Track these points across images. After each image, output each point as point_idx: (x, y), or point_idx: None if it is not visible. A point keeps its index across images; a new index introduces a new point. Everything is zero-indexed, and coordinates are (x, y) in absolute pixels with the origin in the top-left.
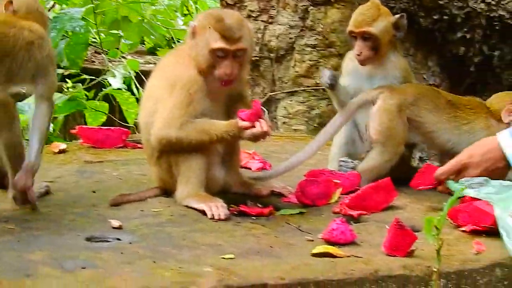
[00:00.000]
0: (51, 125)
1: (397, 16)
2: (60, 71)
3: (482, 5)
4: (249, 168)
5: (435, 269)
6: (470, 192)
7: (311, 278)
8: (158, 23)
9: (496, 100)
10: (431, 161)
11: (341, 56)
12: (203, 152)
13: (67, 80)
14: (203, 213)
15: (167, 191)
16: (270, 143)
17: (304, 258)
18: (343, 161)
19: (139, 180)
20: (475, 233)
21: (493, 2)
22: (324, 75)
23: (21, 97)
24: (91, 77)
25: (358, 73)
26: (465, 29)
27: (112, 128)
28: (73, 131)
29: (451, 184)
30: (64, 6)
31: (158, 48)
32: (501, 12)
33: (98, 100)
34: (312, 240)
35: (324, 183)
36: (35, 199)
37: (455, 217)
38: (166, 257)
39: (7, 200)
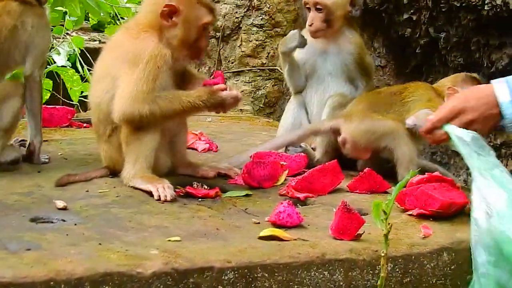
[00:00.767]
0: None
1: None
2: None
3: None
4: (196, 149)
5: (383, 254)
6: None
7: (258, 261)
8: (103, 0)
9: (444, 82)
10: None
11: None
12: (155, 132)
13: None
14: (150, 194)
15: (115, 171)
16: (216, 124)
17: (251, 241)
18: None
19: (85, 160)
20: (422, 217)
21: None
22: (293, 36)
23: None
24: None
25: (312, 48)
26: (412, 11)
27: (57, 107)
28: None
29: (449, 128)
30: None
31: (105, 26)
32: None
33: None
34: (259, 223)
35: (270, 165)
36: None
37: (402, 201)
38: (112, 239)
39: None
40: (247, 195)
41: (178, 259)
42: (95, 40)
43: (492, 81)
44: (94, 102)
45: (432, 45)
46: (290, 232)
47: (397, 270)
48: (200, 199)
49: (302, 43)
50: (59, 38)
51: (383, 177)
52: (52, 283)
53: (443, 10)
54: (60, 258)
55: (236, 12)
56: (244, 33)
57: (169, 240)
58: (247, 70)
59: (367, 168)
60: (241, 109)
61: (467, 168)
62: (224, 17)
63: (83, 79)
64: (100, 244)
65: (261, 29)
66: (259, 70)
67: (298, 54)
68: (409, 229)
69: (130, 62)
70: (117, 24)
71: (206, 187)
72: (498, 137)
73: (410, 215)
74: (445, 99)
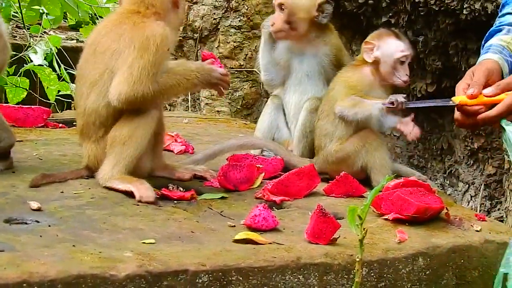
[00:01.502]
0: None
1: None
2: None
3: None
4: (172, 151)
5: (358, 259)
6: None
7: (233, 265)
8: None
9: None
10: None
11: None
12: (143, 140)
13: None
14: (128, 194)
15: (93, 172)
16: (192, 125)
17: (226, 244)
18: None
19: (60, 161)
20: (398, 221)
21: None
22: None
23: None
24: (12, 52)
25: (289, 49)
26: (390, 14)
27: (33, 107)
28: None
29: (505, 123)
30: None
31: (82, 25)
32: None
33: (19, 76)
34: (234, 226)
35: (247, 168)
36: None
37: (378, 205)
38: (86, 241)
39: None
40: (222, 198)
41: (152, 261)
42: (73, 39)
43: None
44: (90, 107)
45: None
46: (266, 235)
47: (372, 274)
48: (175, 201)
49: None
50: (36, 37)
51: (359, 181)
52: (25, 285)
53: (422, 13)
54: (34, 260)
55: (214, 13)
56: (222, 35)
57: (144, 243)
58: None
59: (343, 172)
60: (218, 111)
61: (444, 172)
62: (202, 18)
63: (60, 78)
64: (74, 246)
65: (239, 31)
66: (236, 72)
67: (278, 54)
68: (385, 233)
69: (138, 46)
70: (95, 24)
71: (181, 189)
72: (475, 141)
73: (386, 219)
74: (363, 55)
